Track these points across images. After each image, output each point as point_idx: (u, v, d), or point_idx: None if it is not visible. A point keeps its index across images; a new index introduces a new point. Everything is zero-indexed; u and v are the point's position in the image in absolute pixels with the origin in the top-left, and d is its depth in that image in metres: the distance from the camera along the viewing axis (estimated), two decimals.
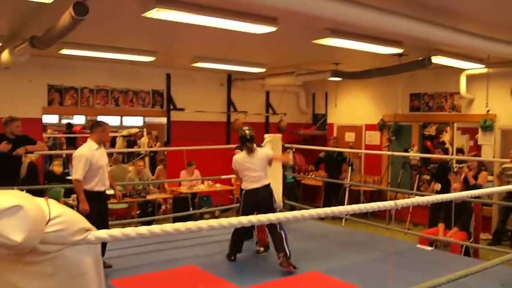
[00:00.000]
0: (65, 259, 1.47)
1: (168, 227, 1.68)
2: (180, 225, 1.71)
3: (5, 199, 1.33)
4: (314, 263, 5.49)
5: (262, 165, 5.42)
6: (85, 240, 1.50)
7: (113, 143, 11.80)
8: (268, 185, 5.43)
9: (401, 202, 2.52)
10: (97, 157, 5.08)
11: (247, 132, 5.43)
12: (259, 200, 5.36)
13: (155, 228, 1.69)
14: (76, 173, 4.98)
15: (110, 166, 10.05)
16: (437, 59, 6.83)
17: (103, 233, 1.58)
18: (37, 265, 1.45)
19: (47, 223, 1.40)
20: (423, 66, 6.79)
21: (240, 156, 5.52)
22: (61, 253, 1.46)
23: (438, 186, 8.15)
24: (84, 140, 5.54)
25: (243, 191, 5.45)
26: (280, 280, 4.93)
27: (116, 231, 1.65)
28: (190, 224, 1.73)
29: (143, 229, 1.67)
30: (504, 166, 7.75)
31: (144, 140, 11.27)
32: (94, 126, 5.32)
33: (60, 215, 1.45)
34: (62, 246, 1.45)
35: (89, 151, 5.05)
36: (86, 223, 1.53)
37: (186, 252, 5.86)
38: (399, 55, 7.08)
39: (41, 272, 1.46)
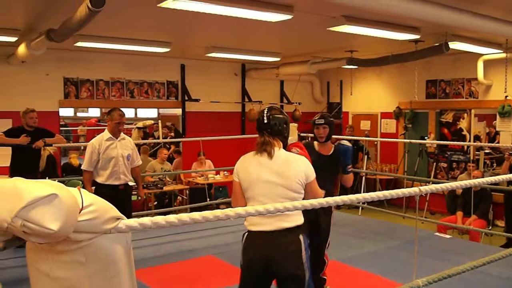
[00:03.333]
0: (96, 248, 1.49)
1: (197, 215, 1.68)
2: (208, 213, 1.71)
3: (41, 187, 1.34)
4: (332, 252, 5.43)
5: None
6: (116, 228, 1.52)
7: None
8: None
9: (425, 188, 2.49)
10: (108, 147, 4.85)
11: None
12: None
13: (184, 216, 1.70)
14: (84, 163, 4.93)
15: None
16: (454, 45, 6.72)
17: (134, 222, 1.59)
18: (69, 254, 1.47)
19: (80, 212, 1.41)
20: (440, 52, 6.69)
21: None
22: (92, 241, 1.48)
23: None
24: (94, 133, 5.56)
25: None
26: None
27: (146, 220, 1.66)
28: (218, 212, 1.72)
29: (173, 218, 1.68)
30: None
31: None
32: (107, 115, 5.17)
33: (92, 204, 1.46)
34: (94, 234, 1.47)
35: (98, 141, 4.87)
36: (116, 212, 1.54)
37: (203, 243, 5.89)
38: (415, 41, 6.99)
39: (74, 261, 1.48)
